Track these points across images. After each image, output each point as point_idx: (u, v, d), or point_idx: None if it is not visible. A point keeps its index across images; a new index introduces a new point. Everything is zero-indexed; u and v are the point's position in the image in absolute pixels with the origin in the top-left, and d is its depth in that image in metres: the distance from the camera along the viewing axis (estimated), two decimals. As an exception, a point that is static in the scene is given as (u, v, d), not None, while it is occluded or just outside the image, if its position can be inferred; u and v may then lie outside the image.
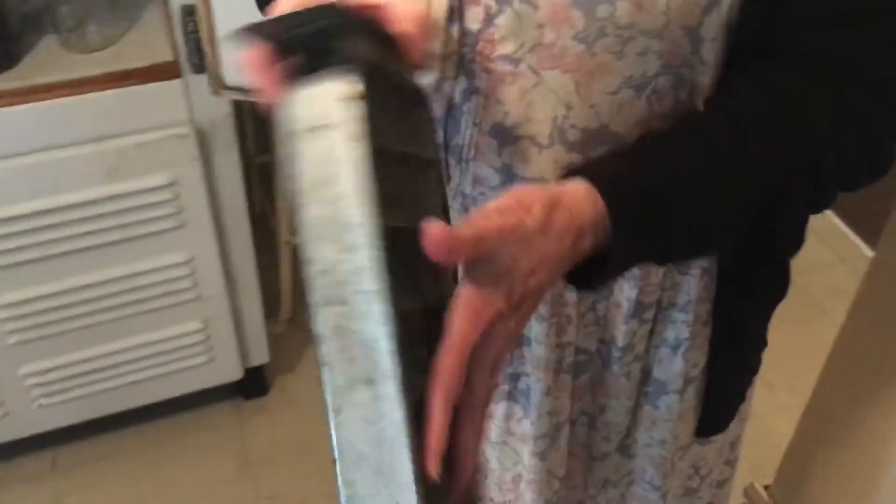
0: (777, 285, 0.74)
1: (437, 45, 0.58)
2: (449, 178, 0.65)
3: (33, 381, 1.41)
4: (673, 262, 0.66)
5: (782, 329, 1.27)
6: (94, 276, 1.33)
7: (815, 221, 0.64)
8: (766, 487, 1.32)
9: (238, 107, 1.40)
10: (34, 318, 1.34)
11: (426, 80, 0.60)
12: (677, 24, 0.54)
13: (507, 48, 0.56)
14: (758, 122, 0.54)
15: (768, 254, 0.68)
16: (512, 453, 0.78)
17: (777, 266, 0.72)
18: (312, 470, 1.54)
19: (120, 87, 1.21)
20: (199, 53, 1.19)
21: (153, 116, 1.24)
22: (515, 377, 0.73)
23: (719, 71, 0.57)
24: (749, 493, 1.33)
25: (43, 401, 1.44)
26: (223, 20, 1.13)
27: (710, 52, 0.55)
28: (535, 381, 0.71)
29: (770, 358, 1.44)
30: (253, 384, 1.67)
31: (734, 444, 0.87)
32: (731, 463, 0.89)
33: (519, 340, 0.70)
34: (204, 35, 1.15)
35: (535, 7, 0.54)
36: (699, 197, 0.52)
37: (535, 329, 0.68)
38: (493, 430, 0.77)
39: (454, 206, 0.66)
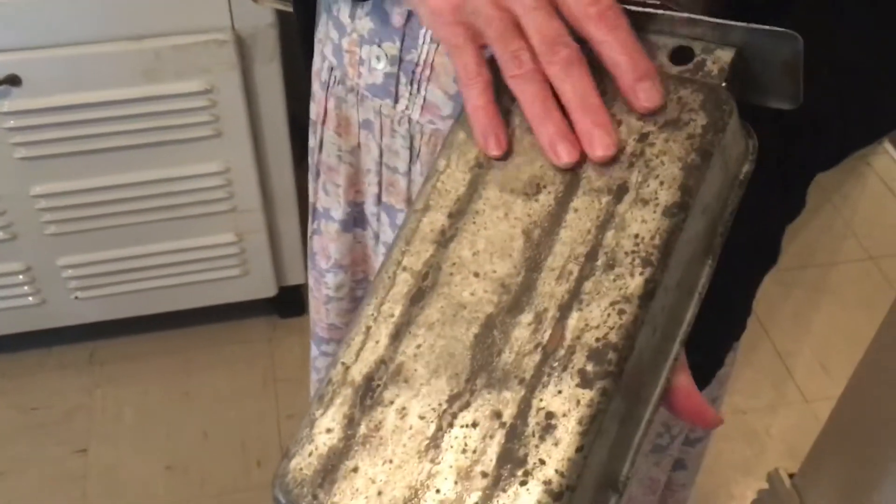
0: (763, 255, 0.67)
1: None
2: (397, 100, 0.59)
3: (70, 273, 1.44)
4: None
5: (849, 313, 1.18)
6: (129, 177, 1.34)
7: None
8: (790, 475, 1.23)
9: (288, 18, 1.37)
10: (71, 212, 1.36)
11: None
12: None
13: None
14: None
15: (754, 222, 0.61)
16: None
17: (765, 236, 0.65)
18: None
19: (161, -15, 1.19)
20: (239, -43, 1.15)
21: (193, 19, 1.22)
22: None
23: None
24: (772, 478, 1.25)
25: (80, 293, 1.48)
26: (261, -78, 1.09)
27: None
28: None
29: (831, 342, 1.34)
30: (289, 303, 1.68)
31: (712, 403, 0.82)
32: None
33: None
34: (242, -63, 1.11)
35: None
36: None
37: None
38: None
39: (399, 131, 0.61)
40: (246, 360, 1.64)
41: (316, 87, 0.69)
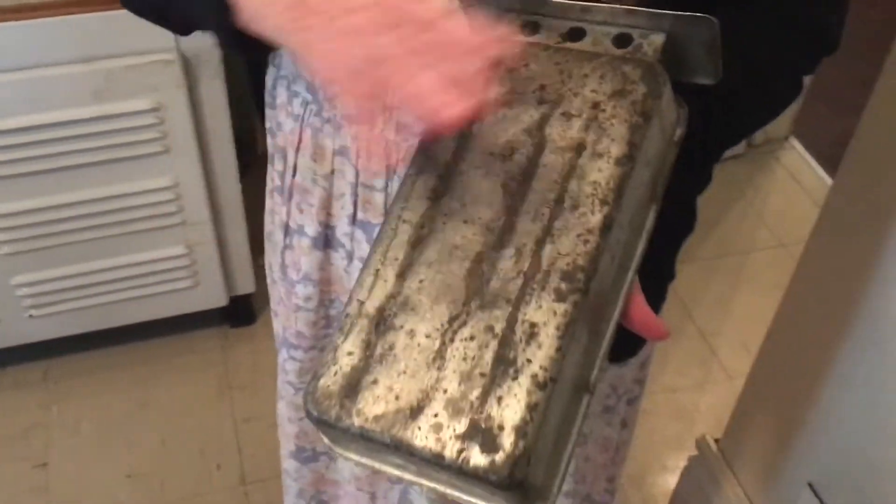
0: (683, 221, 0.77)
1: None
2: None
3: (25, 291, 1.48)
4: None
5: (765, 296, 1.29)
6: (81, 195, 1.39)
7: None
8: (716, 440, 1.34)
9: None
10: (25, 231, 1.40)
11: None
12: None
13: None
14: None
15: (676, 191, 0.70)
16: None
17: (686, 204, 0.75)
18: (288, 397, 1.60)
19: (110, 9, 1.25)
20: (183, -19, 1.22)
21: (141, 41, 1.28)
22: None
23: None
24: (700, 444, 1.36)
25: (34, 311, 1.52)
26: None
27: None
28: None
29: (751, 323, 1.46)
30: (239, 313, 1.73)
31: (644, 365, 0.91)
32: (640, 382, 0.93)
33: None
34: (186, -38, 1.18)
35: None
36: None
37: None
38: None
39: (375, 151, 0.68)
40: (200, 369, 1.69)
41: (283, 118, 0.74)
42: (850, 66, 2.17)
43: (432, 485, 0.41)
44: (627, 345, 0.83)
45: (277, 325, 0.89)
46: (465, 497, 0.41)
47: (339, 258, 0.77)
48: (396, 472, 0.42)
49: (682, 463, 1.48)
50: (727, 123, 0.61)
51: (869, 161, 0.97)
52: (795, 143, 2.29)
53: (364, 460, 0.43)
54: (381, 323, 0.42)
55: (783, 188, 2.19)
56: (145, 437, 1.58)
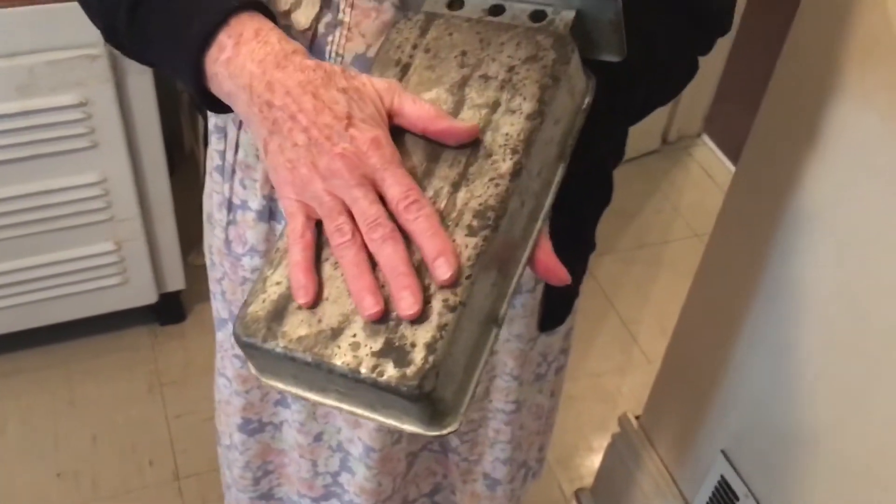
0: (601, 193, 0.82)
1: None
2: None
3: (-54, 291, 1.46)
4: None
5: (682, 283, 1.37)
6: (7, 191, 1.38)
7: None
8: (637, 417, 1.41)
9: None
10: (-52, 228, 1.38)
11: (302, 16, 0.65)
12: None
13: None
14: None
15: (593, 164, 0.76)
16: None
17: (602, 176, 0.80)
18: (220, 391, 1.61)
19: (32, 4, 1.25)
20: (109, -24, 1.23)
21: (66, 36, 1.28)
22: None
23: None
24: (622, 421, 1.43)
25: (-44, 311, 1.49)
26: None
27: None
28: None
29: (669, 309, 1.53)
30: (169, 310, 1.74)
31: (568, 335, 0.96)
32: (565, 351, 0.98)
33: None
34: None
35: None
36: None
37: None
38: None
39: None
40: (129, 367, 1.69)
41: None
42: (757, 67, 2.29)
43: (352, 409, 0.45)
44: (556, 314, 0.89)
45: (217, 305, 0.91)
46: (381, 419, 0.45)
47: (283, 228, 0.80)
48: (318, 398, 0.46)
49: (607, 442, 1.55)
50: (631, 98, 0.66)
51: (766, 152, 1.05)
52: (707, 140, 2.40)
53: (289, 388, 0.46)
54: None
55: (696, 182, 2.29)
56: (75, 435, 1.57)
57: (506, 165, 0.47)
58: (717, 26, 0.68)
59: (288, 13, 0.64)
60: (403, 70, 0.52)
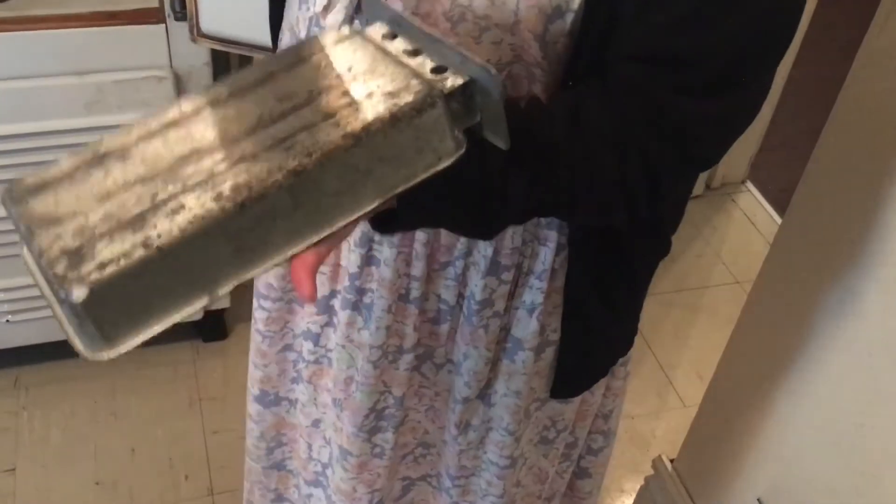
0: (628, 280, 0.81)
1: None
2: None
3: (3, 296, 1.50)
4: (461, 233, 0.72)
5: (720, 329, 1.38)
6: (67, 202, 1.42)
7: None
8: (671, 461, 1.40)
9: (223, 58, 1.49)
10: (8, 237, 1.43)
11: (332, 19, 0.69)
12: (526, 27, 0.61)
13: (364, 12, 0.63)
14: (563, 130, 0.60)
15: (612, 243, 0.75)
16: (348, 357, 0.87)
17: (624, 256, 0.78)
18: (258, 410, 1.63)
19: (106, 25, 1.30)
20: (181, 1, 1.28)
21: (134, 57, 1.34)
22: (362, 291, 0.81)
23: (564, 74, 0.64)
24: (656, 464, 1.42)
25: (11, 317, 1.54)
26: (204, -28, 1.22)
27: (555, 57, 0.63)
28: (377, 297, 0.79)
29: (706, 355, 1.53)
30: (212, 327, 1.77)
31: (607, 417, 0.95)
32: (606, 434, 0.97)
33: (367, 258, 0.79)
34: (185, -16, 1.24)
35: None
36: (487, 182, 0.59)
37: (385, 253, 0.76)
38: (338, 332, 0.86)
39: None
40: (171, 381, 1.72)
41: None
42: (803, 117, 2.30)
43: (43, 290, 0.47)
44: (568, 383, 0.87)
45: (258, 280, 0.94)
46: (59, 314, 0.46)
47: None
48: (31, 276, 0.48)
49: (640, 485, 1.54)
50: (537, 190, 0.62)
51: (814, 204, 1.05)
52: (751, 187, 2.40)
53: (28, 260, 0.48)
54: (97, 160, 0.49)
55: (739, 229, 2.29)
56: (114, 446, 1.60)
57: (291, 163, 0.48)
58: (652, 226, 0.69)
59: (322, 14, 0.68)
60: (295, 64, 0.54)
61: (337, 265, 0.82)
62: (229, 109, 0.51)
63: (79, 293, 0.43)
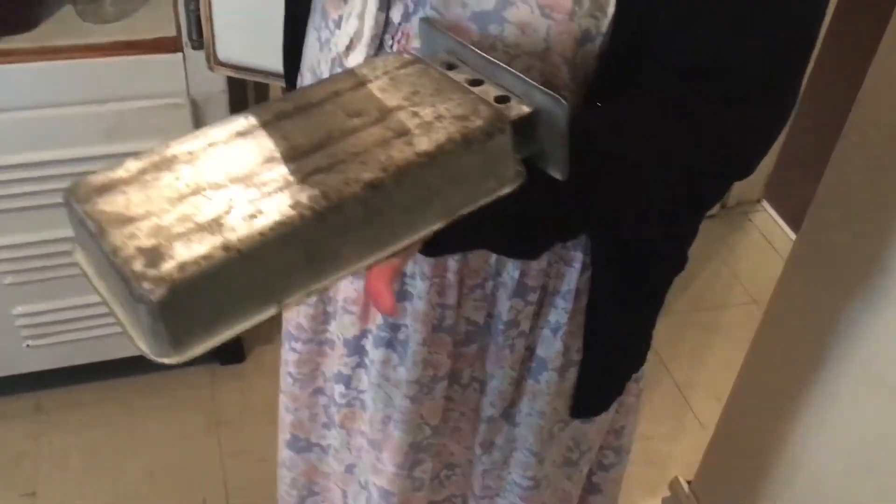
0: (648, 296, 0.82)
1: (370, 28, 0.69)
2: None
3: (24, 321, 1.52)
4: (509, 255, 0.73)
5: (737, 350, 1.37)
6: (87, 228, 1.44)
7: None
8: (689, 482, 1.40)
9: (240, 85, 1.51)
10: (30, 262, 1.45)
11: (354, 61, 0.69)
12: (556, 53, 0.62)
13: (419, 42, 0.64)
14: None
15: (634, 259, 0.75)
16: (385, 396, 0.86)
17: (645, 271, 0.78)
18: (274, 434, 1.64)
19: (125, 55, 1.33)
20: (198, 30, 1.30)
21: (153, 85, 1.36)
22: (395, 327, 0.81)
23: (588, 94, 0.64)
24: (673, 485, 1.41)
25: (31, 342, 1.56)
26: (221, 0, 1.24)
27: (584, 78, 0.63)
28: (412, 331, 0.80)
29: (723, 375, 1.53)
30: (230, 351, 1.78)
31: (619, 433, 0.95)
32: (618, 450, 0.97)
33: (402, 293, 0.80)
34: (203, 12, 1.26)
35: (442, 14, 0.63)
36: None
37: (419, 286, 0.77)
38: (372, 372, 0.85)
39: None
40: (188, 405, 1.73)
41: None
42: (819, 136, 2.29)
43: (102, 291, 0.47)
44: (589, 403, 0.87)
45: (284, 319, 0.95)
46: (122, 318, 0.46)
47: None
48: (94, 279, 0.48)
49: (656, 506, 1.53)
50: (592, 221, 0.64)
51: (827, 221, 1.05)
52: (767, 206, 2.39)
53: (81, 261, 0.49)
54: (166, 163, 0.49)
55: (755, 248, 2.28)
56: (133, 469, 1.61)
57: (367, 176, 0.48)
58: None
59: (344, 54, 0.68)
60: (360, 85, 0.55)
61: (366, 304, 0.82)
62: (297, 123, 0.52)
63: (159, 291, 0.42)
